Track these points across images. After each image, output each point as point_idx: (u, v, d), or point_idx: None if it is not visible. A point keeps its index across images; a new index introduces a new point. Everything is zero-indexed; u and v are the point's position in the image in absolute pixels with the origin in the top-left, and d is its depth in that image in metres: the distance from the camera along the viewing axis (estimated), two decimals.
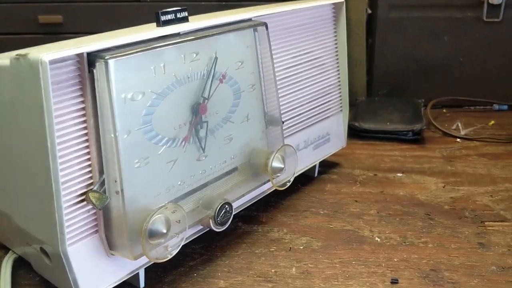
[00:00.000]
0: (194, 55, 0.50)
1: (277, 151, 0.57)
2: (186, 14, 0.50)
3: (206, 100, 0.52)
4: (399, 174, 0.74)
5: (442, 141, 0.86)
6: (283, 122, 0.62)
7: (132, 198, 0.45)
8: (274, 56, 0.61)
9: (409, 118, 0.89)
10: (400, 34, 1.02)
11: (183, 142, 0.50)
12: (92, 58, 0.42)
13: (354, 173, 0.75)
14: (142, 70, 0.45)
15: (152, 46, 0.45)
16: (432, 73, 1.03)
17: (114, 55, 0.43)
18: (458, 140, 0.86)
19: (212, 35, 0.51)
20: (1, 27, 1.08)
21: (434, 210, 0.64)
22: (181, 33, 0.49)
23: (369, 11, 1.03)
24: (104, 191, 0.44)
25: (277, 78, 0.62)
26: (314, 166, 0.72)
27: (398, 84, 1.04)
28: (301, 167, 0.68)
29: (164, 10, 0.48)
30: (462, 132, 0.88)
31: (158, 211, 0.45)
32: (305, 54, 0.67)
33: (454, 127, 0.92)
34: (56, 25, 1.07)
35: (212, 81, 0.52)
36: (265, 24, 0.57)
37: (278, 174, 0.58)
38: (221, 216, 0.51)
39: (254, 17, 0.58)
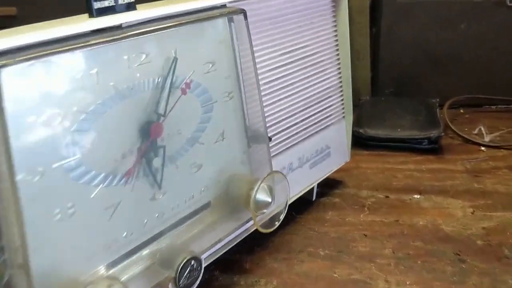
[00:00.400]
0: (143, 56, 0.36)
1: (262, 180, 0.43)
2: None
3: (162, 118, 0.38)
4: (416, 196, 0.60)
5: (464, 149, 0.72)
6: (270, 139, 0.48)
7: (49, 270, 0.31)
8: (257, 54, 0.47)
9: (423, 122, 0.75)
10: (409, 22, 0.87)
11: (128, 178, 0.36)
12: None
13: (361, 194, 0.61)
14: (62, 81, 0.31)
15: (75, 45, 0.31)
16: (447, 67, 0.89)
17: (10, 61, 0.28)
18: (483, 148, 0.73)
19: (169, 27, 0.37)
20: None
21: (465, 248, 0.50)
22: (123, 25, 0.35)
23: None
24: (4, 263, 0.30)
25: (262, 82, 0.48)
26: (312, 188, 0.58)
27: (407, 81, 0.90)
28: (295, 192, 0.54)
29: None
30: (487, 139, 0.75)
31: None
32: (297, 50, 0.52)
33: (476, 131, 0.78)
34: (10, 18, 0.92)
35: (170, 91, 0.38)
36: (243, 12, 0.43)
37: (264, 210, 0.44)
38: (185, 277, 0.38)
39: (229, 2, 0.44)
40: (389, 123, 0.75)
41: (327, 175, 0.59)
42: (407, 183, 0.63)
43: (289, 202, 0.53)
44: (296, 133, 0.54)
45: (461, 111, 0.87)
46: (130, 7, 0.36)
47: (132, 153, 0.36)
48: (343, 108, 0.60)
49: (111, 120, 0.34)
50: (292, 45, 0.52)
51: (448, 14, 0.86)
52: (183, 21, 0.38)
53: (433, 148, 0.72)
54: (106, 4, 0.34)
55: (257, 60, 0.47)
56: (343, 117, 0.61)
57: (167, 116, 0.38)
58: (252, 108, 0.46)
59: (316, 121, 0.57)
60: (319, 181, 0.58)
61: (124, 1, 0.35)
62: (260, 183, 0.43)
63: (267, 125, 0.50)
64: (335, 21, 0.57)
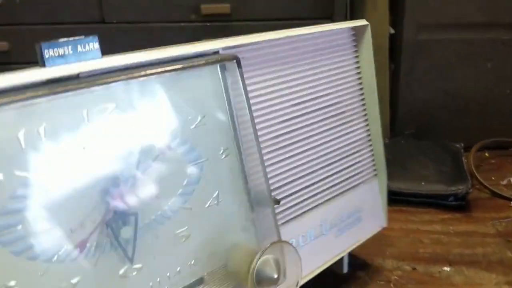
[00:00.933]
0: (110, 109, 0.31)
1: (262, 252, 0.36)
2: (95, 45, 0.32)
3: (131, 179, 0.32)
4: (445, 268, 0.51)
5: (493, 204, 0.64)
6: (278, 202, 0.42)
7: None
8: (265, 104, 0.42)
9: (449, 174, 0.66)
10: (430, 60, 0.80)
11: (82, 251, 0.30)
12: None
13: (386, 265, 0.53)
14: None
15: (12, 98, 0.27)
16: (471, 109, 0.80)
17: None
18: None
19: (141, 76, 0.32)
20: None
21: None
22: (80, 75, 0.30)
23: (392, 31, 0.81)
24: None
25: (271, 136, 0.42)
26: (341, 259, 0.50)
27: (428, 122, 0.82)
28: (317, 265, 0.46)
29: (48, 41, 0.30)
30: None
31: None
32: (314, 100, 0.46)
33: (504, 182, 0.68)
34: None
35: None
36: (236, 59, 0.37)
37: None
38: None
39: (225, 48, 0.39)
40: (412, 174, 0.67)
41: (358, 244, 0.51)
42: (434, 250, 0.55)
43: (313, 275, 0.45)
44: (317, 194, 0.47)
45: (486, 154, 0.78)
46: (92, 54, 0.32)
47: (94, 222, 0.31)
48: (373, 164, 0.52)
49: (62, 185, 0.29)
50: (307, 94, 0.46)
51: (473, 52, 0.78)
52: (161, 70, 0.33)
53: (460, 205, 0.63)
54: (59, 51, 0.29)
55: (264, 111, 0.42)
56: (375, 174, 0.53)
57: (136, 177, 0.32)
58: (253, 166, 0.40)
59: (341, 179, 0.49)
60: (348, 251, 0.50)
61: (84, 48, 0.31)
62: (260, 255, 0.36)
63: (279, 184, 0.43)
64: (358, 64, 0.50)
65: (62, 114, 0.29)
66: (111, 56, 0.32)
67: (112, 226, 0.31)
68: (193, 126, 0.36)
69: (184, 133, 0.35)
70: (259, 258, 0.36)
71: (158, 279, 0.34)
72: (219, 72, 0.37)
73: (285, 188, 0.44)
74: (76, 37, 0.31)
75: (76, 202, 0.30)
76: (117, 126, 0.32)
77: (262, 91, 0.41)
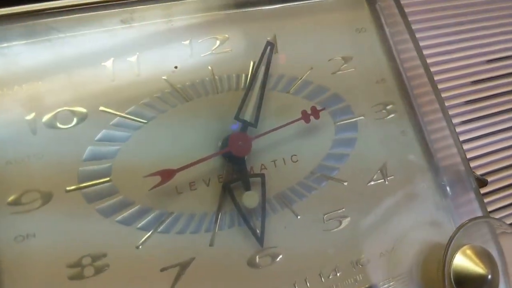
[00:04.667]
0: (217, 42, 0.25)
1: (457, 231, 0.23)
2: None
3: (250, 127, 0.24)
4: None
5: None
6: (485, 182, 0.28)
7: None
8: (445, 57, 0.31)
9: None
10: None
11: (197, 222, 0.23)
12: None
13: None
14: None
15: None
16: None
17: None
18: None
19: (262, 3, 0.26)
20: None
21: None
22: None
23: None
24: None
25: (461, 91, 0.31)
26: None
27: None
28: None
29: None
30: None
31: None
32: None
33: None
34: None
35: (263, 92, 0.25)
36: None
37: None
38: None
39: None
40: None
41: None
42: None
43: None
44: None
45: None
46: None
47: (205, 181, 0.23)
48: None
49: (162, 129, 0.23)
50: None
51: None
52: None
53: None
54: None
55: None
56: None
57: (258, 126, 0.24)
58: (435, 131, 0.28)
59: None
60: None
61: None
62: (453, 239, 0.23)
63: (481, 162, 0.30)
64: None
65: (160, 42, 0.24)
66: None
67: (229, 188, 0.23)
68: (334, 71, 0.27)
69: (323, 79, 0.27)
70: (452, 247, 0.23)
71: (306, 278, 0.24)
72: (365, 1, 0.29)
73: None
74: None
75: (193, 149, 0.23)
76: (231, 64, 0.25)
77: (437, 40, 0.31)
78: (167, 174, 0.21)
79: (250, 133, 0.24)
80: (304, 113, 0.24)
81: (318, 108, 0.25)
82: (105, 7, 0.22)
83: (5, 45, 0.22)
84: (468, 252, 0.23)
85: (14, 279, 0.19)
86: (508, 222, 0.29)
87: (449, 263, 0.23)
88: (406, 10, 0.29)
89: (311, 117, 0.24)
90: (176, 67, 0.23)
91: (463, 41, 0.31)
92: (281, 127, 0.24)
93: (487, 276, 0.23)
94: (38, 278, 0.20)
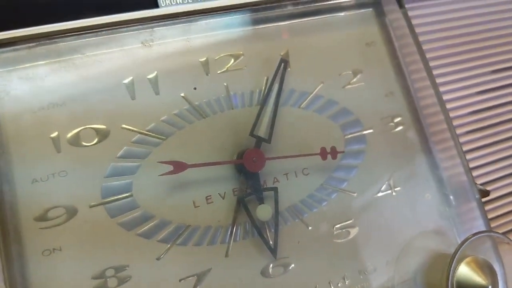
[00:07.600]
0: (231, 59, 0.26)
1: (461, 246, 0.24)
2: None
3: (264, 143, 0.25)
4: None
5: None
6: (487, 193, 0.29)
7: None
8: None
9: None
10: None
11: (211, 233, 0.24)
12: None
13: None
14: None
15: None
16: None
17: None
18: None
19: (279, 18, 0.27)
20: None
21: None
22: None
23: None
24: None
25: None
26: None
27: None
28: None
29: None
30: None
31: None
32: None
33: None
34: None
35: (276, 107, 0.26)
36: (400, 3, 0.29)
37: None
38: None
39: None
40: None
41: None
42: None
43: None
44: None
45: None
46: None
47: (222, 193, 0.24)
48: None
49: (177, 144, 0.24)
50: None
51: None
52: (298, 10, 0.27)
53: None
54: None
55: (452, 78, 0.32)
56: None
57: (271, 141, 0.25)
58: (441, 142, 0.29)
59: None
60: None
61: None
62: (458, 252, 0.24)
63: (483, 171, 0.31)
64: None
65: (176, 60, 0.25)
66: None
67: (244, 201, 0.24)
68: (344, 85, 0.28)
69: (332, 93, 0.27)
70: (456, 258, 0.24)
71: (316, 286, 0.25)
72: (375, 16, 0.29)
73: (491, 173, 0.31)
74: None
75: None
76: (245, 78, 0.26)
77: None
78: (179, 166, 0.22)
79: (263, 148, 0.25)
80: (323, 150, 0.25)
81: (338, 150, 0.26)
82: (126, 28, 0.23)
83: (27, 65, 0.23)
84: (471, 263, 0.24)
85: None
86: (509, 228, 0.30)
87: (453, 274, 0.24)
88: (413, 22, 0.30)
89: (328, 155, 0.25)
90: (195, 88, 0.24)
91: (468, 52, 0.32)
92: (296, 156, 0.25)
93: (488, 287, 0.24)
94: None
